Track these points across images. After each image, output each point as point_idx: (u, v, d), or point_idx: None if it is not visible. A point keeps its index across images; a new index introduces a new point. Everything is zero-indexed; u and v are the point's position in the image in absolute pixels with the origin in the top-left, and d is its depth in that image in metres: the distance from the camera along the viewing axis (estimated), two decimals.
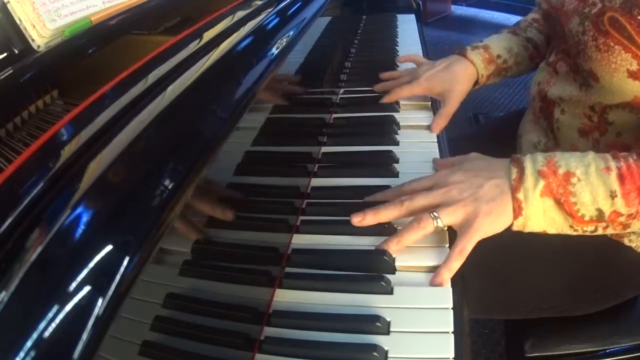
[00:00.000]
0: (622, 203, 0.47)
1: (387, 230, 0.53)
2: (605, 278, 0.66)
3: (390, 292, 0.47)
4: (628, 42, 0.54)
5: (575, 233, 0.50)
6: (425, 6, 3.32)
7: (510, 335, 0.76)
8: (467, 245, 0.49)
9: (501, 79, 0.82)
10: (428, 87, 0.77)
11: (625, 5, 0.53)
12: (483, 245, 0.63)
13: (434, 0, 3.50)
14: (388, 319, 0.44)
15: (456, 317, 0.44)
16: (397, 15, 1.32)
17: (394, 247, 0.50)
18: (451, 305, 0.45)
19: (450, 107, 0.75)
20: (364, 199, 0.57)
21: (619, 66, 0.55)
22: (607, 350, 0.67)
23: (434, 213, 0.50)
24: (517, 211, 0.49)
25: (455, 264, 0.48)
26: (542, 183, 0.48)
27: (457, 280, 0.48)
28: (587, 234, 0.50)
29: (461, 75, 0.77)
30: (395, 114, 0.78)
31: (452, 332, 0.43)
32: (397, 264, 0.50)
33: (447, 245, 0.52)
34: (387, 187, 0.60)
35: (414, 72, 0.80)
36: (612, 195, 0.47)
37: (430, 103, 0.82)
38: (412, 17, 1.31)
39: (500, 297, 0.66)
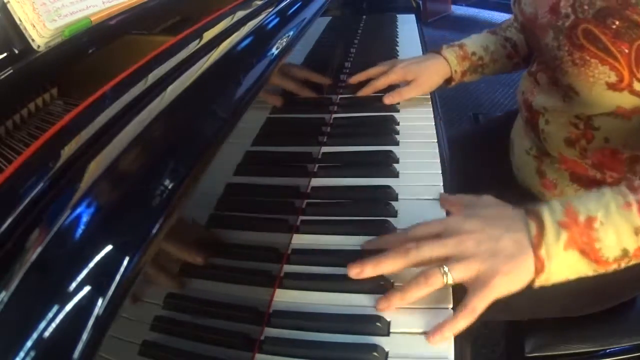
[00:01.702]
0: None
1: (388, 231, 0.53)
2: (604, 279, 0.66)
3: None
4: (604, 54, 0.53)
5: (595, 273, 0.46)
6: (425, 6, 3.32)
7: (510, 335, 0.76)
8: (478, 305, 0.43)
9: (480, 76, 0.84)
10: (403, 74, 0.81)
11: (599, 15, 0.52)
12: None
13: (434, 0, 3.49)
14: (388, 319, 0.44)
15: None
16: (397, 15, 1.32)
17: (396, 304, 0.45)
18: (451, 306, 0.45)
19: (411, 91, 0.80)
20: (363, 245, 0.52)
21: (597, 80, 0.54)
22: (607, 350, 0.67)
23: (444, 268, 0.44)
24: (539, 269, 0.44)
25: (463, 322, 0.43)
26: (565, 235, 0.44)
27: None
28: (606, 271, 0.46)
29: (433, 68, 0.81)
30: (395, 114, 0.78)
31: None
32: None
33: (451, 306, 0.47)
34: (387, 187, 0.60)
35: (391, 62, 0.83)
36: (637, 232, 0.44)
37: (431, 103, 0.82)
38: (412, 17, 1.31)
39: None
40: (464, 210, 0.51)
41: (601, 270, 0.46)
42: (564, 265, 0.45)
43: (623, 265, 0.46)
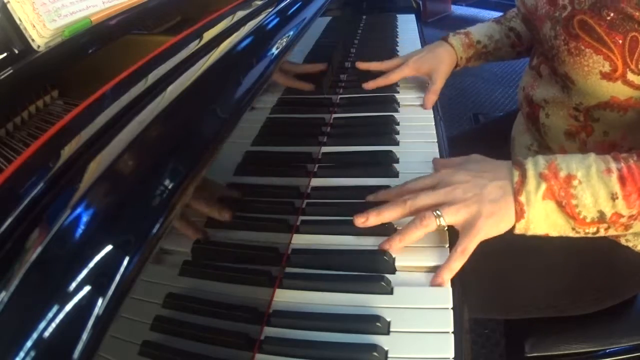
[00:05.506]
0: (623, 205, 0.47)
1: (387, 230, 0.53)
2: (603, 278, 0.66)
3: (390, 292, 0.47)
4: (598, 44, 0.54)
5: (577, 235, 0.50)
6: (425, 6, 3.32)
7: (510, 336, 0.76)
8: (468, 246, 0.48)
9: (484, 62, 0.88)
10: (416, 68, 0.83)
11: (594, 6, 0.54)
12: (483, 246, 0.63)
13: (434, 0, 3.49)
14: (388, 319, 0.44)
15: (456, 317, 0.44)
16: (397, 15, 1.32)
17: (396, 246, 0.50)
18: (451, 305, 0.45)
19: (438, 85, 0.82)
20: (366, 198, 0.57)
21: (591, 69, 0.55)
22: (607, 350, 0.67)
23: (437, 211, 0.49)
24: (519, 214, 0.48)
25: (456, 264, 0.48)
26: (544, 186, 0.48)
27: (457, 281, 0.48)
28: (589, 235, 0.50)
29: (444, 57, 0.83)
30: (395, 114, 0.78)
31: (452, 332, 0.43)
32: (397, 263, 0.50)
33: (447, 245, 0.52)
34: (387, 187, 0.60)
35: (403, 57, 0.85)
36: (614, 197, 0.47)
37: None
38: (412, 17, 1.30)
39: (499, 296, 0.66)
40: (455, 166, 0.55)
41: (580, 229, 0.49)
42: (542, 214, 0.48)
43: (602, 231, 0.49)
